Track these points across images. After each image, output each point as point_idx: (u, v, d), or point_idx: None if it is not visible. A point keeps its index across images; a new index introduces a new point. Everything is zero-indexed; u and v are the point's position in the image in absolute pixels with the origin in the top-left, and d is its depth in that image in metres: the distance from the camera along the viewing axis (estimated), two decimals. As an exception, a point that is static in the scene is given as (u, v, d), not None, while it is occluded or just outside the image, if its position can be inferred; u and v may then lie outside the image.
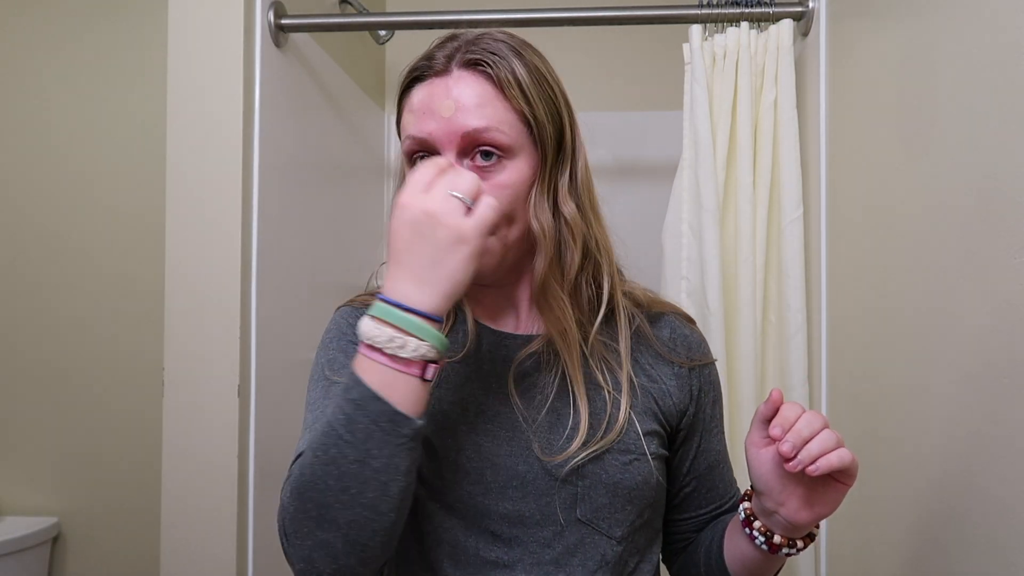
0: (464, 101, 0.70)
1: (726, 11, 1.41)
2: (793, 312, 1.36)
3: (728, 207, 1.42)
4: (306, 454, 0.64)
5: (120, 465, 1.89)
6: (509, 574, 0.73)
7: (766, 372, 1.41)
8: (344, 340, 0.79)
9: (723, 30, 1.42)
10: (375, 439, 0.60)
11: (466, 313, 0.81)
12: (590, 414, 0.75)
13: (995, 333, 0.78)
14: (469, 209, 0.63)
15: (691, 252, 1.42)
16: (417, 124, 0.72)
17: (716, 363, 0.86)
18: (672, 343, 0.82)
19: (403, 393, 0.61)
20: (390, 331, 0.61)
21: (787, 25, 1.40)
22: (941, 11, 0.92)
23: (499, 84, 0.71)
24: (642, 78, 2.11)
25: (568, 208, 0.75)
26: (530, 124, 0.72)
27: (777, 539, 0.73)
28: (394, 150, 2.15)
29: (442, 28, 1.50)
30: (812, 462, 0.65)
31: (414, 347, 0.61)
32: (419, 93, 0.73)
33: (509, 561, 0.73)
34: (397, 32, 2.02)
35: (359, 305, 0.82)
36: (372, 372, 0.61)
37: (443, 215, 0.62)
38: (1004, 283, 0.76)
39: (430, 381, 0.63)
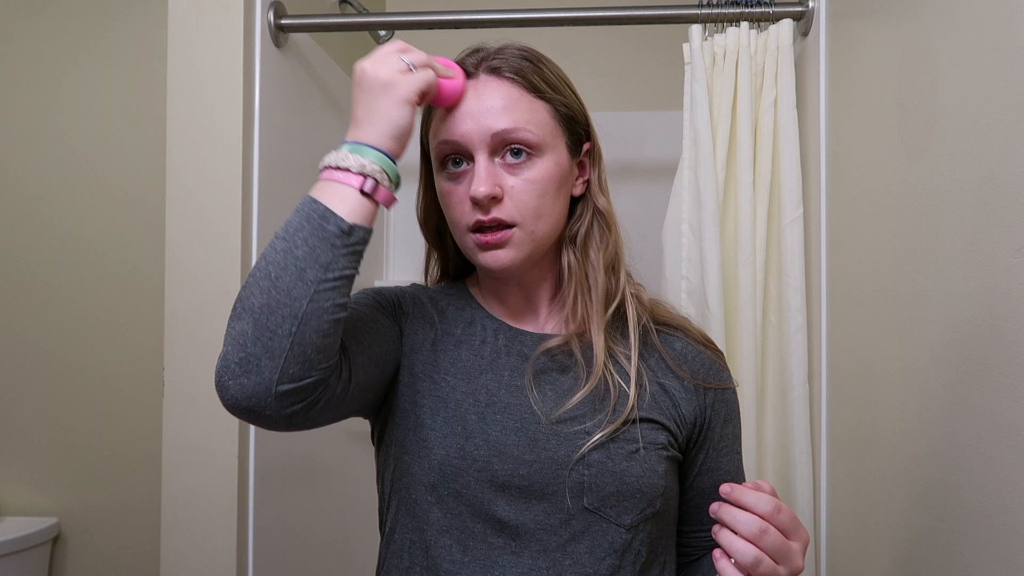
0: (491, 104, 0.76)
1: (726, 11, 1.41)
2: (793, 312, 1.36)
3: (728, 207, 1.41)
4: None
5: (120, 465, 1.89)
6: (516, 560, 0.74)
7: (766, 372, 1.41)
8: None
9: (723, 30, 1.42)
10: (303, 232, 0.66)
11: (484, 308, 0.85)
12: (600, 402, 0.77)
13: (995, 332, 0.78)
14: (411, 71, 0.71)
15: (691, 252, 1.42)
16: (448, 128, 0.77)
17: (737, 388, 0.87)
18: (683, 357, 0.83)
19: (340, 198, 0.68)
20: (339, 154, 0.70)
21: (787, 25, 1.40)
22: (941, 11, 0.92)
23: (525, 87, 0.78)
24: (642, 78, 2.10)
25: (602, 201, 0.84)
26: (559, 120, 0.79)
27: None
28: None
29: (442, 28, 1.50)
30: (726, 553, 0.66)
31: (355, 160, 0.69)
32: None
33: (517, 547, 0.75)
34: (397, 32, 2.02)
35: None
36: (317, 187, 0.69)
37: (374, 70, 0.70)
38: (1004, 282, 0.76)
39: (369, 195, 0.69)
